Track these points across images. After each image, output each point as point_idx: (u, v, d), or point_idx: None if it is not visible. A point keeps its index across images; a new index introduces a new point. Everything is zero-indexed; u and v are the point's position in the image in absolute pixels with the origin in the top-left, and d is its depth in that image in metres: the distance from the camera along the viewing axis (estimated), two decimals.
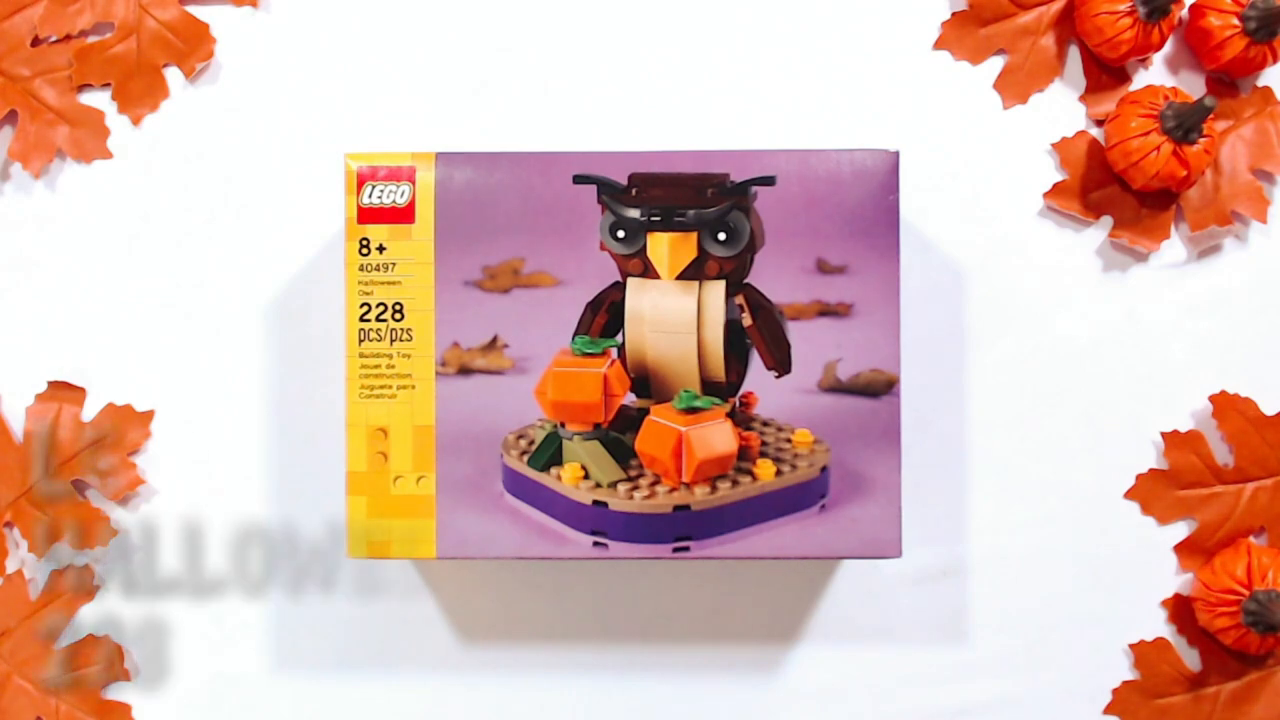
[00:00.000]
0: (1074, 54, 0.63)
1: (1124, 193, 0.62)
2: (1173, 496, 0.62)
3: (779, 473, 0.40)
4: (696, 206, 0.39)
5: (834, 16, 0.63)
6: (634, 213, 0.39)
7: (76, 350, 0.63)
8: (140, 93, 0.63)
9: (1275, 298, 0.63)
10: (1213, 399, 0.61)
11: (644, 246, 0.39)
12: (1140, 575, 0.62)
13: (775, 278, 0.39)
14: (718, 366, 0.39)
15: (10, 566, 0.62)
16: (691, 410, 0.39)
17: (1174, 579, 0.62)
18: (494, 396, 0.39)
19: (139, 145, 0.63)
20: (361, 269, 0.43)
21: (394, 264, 0.42)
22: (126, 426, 0.62)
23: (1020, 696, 0.62)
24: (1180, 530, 0.62)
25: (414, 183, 0.42)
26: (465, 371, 0.39)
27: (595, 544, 0.41)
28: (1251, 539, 0.61)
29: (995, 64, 0.63)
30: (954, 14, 0.63)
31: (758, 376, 0.40)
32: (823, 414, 0.39)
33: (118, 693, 0.62)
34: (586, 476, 0.39)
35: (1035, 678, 0.62)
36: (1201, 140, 0.59)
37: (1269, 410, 0.61)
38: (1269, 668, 0.61)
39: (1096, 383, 0.62)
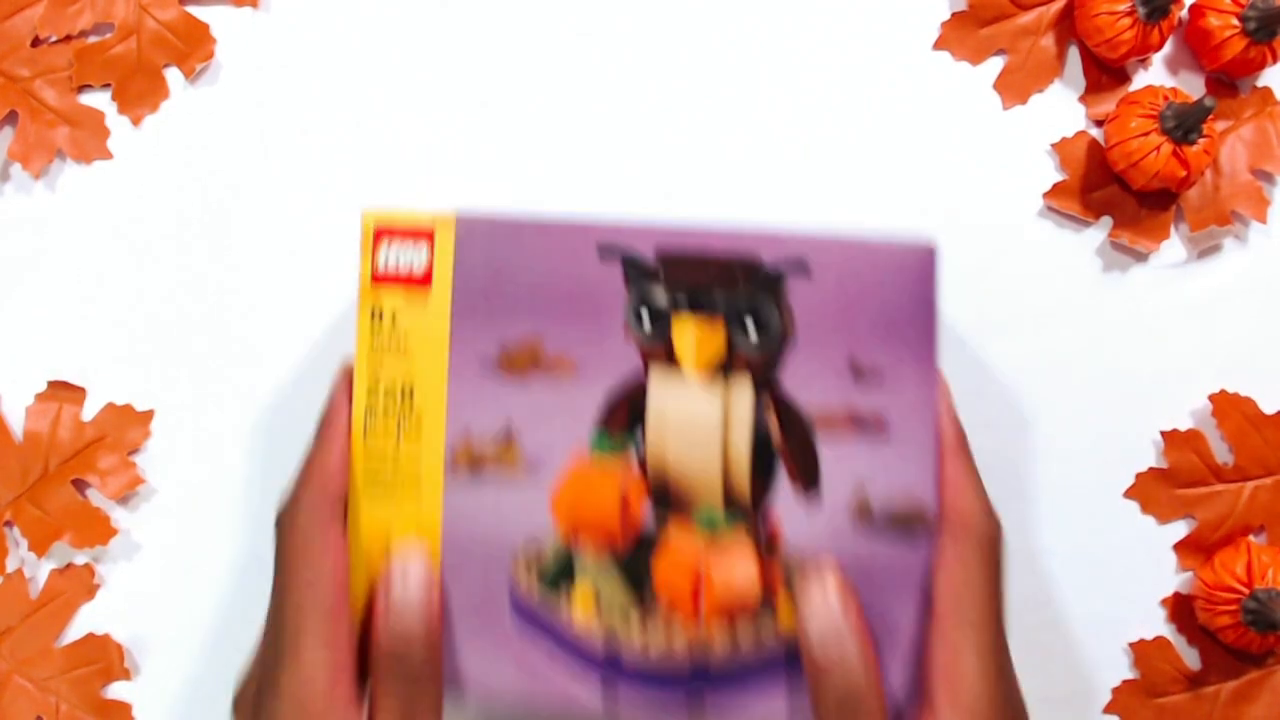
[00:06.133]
0: (1074, 54, 0.64)
1: (1124, 193, 0.62)
2: (1172, 495, 0.62)
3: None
4: (726, 290, 0.36)
5: (834, 16, 0.63)
6: (660, 293, 0.36)
7: (77, 350, 0.63)
8: (140, 93, 0.63)
9: (1275, 298, 0.63)
10: (1213, 399, 0.61)
11: (669, 333, 0.36)
12: (1140, 575, 0.62)
13: (805, 380, 0.36)
14: (742, 480, 0.36)
15: (10, 565, 0.62)
16: (712, 529, 0.36)
17: (1174, 578, 0.62)
18: (506, 503, 0.37)
19: (139, 145, 0.63)
20: (373, 348, 0.39)
21: (407, 335, 0.38)
22: (126, 426, 0.62)
23: None
24: (1180, 529, 0.62)
25: (433, 246, 0.39)
26: (476, 469, 0.36)
27: (603, 682, 0.36)
28: (1251, 538, 0.61)
29: (995, 64, 0.63)
30: (954, 14, 0.63)
31: (782, 505, 0.36)
32: (853, 548, 0.36)
33: (118, 693, 0.62)
34: (597, 608, 0.36)
35: (1034, 677, 0.62)
36: (1201, 140, 0.59)
37: (1269, 410, 0.61)
38: (1269, 667, 0.61)
39: (1096, 383, 0.62)
